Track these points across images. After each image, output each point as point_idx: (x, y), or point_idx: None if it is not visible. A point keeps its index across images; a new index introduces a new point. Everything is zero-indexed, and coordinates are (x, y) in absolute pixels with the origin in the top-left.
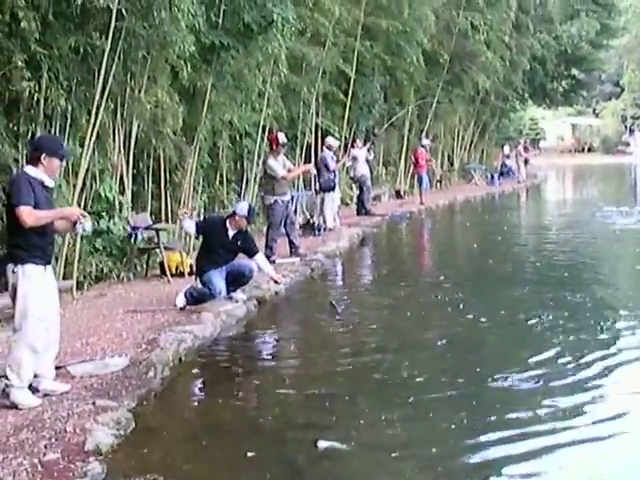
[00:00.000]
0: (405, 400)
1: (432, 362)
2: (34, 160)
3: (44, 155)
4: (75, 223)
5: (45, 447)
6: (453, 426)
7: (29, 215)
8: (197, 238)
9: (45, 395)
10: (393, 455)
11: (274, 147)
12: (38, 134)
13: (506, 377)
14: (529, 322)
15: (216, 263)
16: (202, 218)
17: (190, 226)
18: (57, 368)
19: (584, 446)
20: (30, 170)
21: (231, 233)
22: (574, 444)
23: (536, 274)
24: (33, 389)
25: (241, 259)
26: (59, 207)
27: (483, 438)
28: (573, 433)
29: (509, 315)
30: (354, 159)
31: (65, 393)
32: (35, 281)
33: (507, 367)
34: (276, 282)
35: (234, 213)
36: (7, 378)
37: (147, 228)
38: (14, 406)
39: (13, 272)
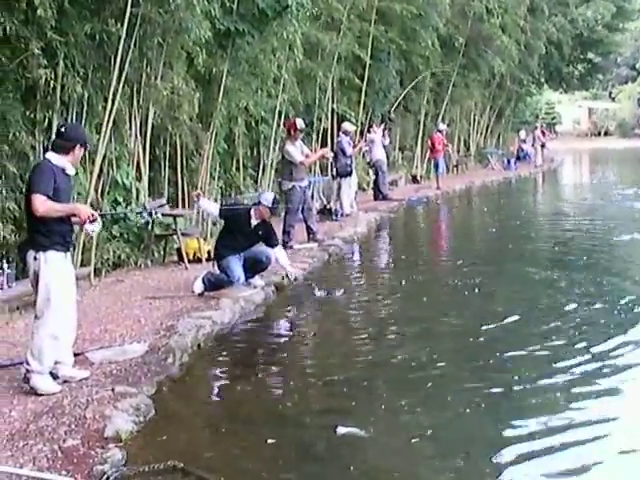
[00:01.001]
0: (423, 386)
1: (451, 347)
2: (65, 150)
3: (78, 147)
4: (85, 222)
5: (65, 433)
6: (469, 411)
7: (42, 204)
8: (215, 224)
9: (64, 381)
10: (413, 441)
11: (292, 133)
12: (61, 123)
13: (527, 363)
14: (550, 307)
15: (235, 250)
16: (226, 203)
17: (211, 207)
18: (76, 355)
19: (609, 442)
20: (53, 157)
21: (254, 222)
22: (597, 438)
23: (556, 258)
24: (53, 376)
25: (258, 246)
26: (76, 194)
27: (502, 424)
28: (594, 422)
29: (529, 300)
30: (371, 142)
31: (84, 379)
32: (57, 268)
33: (528, 352)
34: (288, 278)
35: (259, 203)
36: (28, 364)
37: (150, 214)
38: (34, 392)
39: (35, 259)
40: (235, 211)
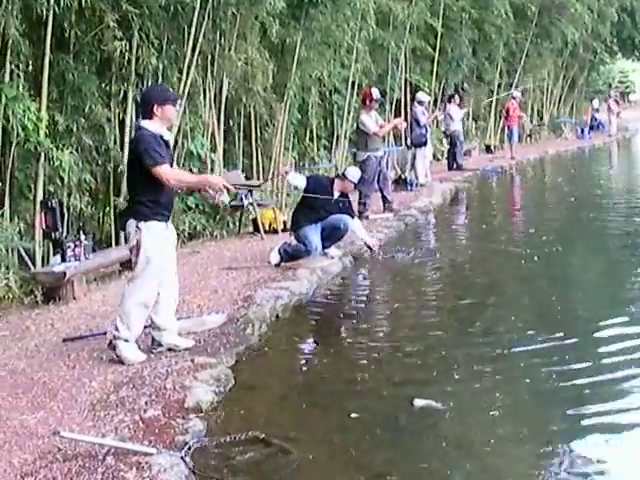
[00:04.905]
0: (500, 356)
1: (530, 318)
2: (148, 113)
3: (155, 106)
4: (217, 192)
5: (145, 404)
6: (547, 383)
7: (169, 174)
8: (289, 195)
9: (169, 349)
10: (492, 414)
11: (367, 102)
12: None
13: (605, 331)
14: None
15: (313, 220)
16: (310, 175)
17: (298, 179)
18: None
19: None
20: (148, 125)
21: (336, 194)
22: None
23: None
24: (157, 343)
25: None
26: None
27: (581, 399)
28: None
29: (615, 272)
30: (449, 116)
31: (187, 349)
32: (158, 237)
33: (607, 321)
34: (370, 249)
35: (344, 176)
36: (117, 329)
37: (243, 186)
38: (117, 361)
39: (137, 228)
40: (319, 181)
